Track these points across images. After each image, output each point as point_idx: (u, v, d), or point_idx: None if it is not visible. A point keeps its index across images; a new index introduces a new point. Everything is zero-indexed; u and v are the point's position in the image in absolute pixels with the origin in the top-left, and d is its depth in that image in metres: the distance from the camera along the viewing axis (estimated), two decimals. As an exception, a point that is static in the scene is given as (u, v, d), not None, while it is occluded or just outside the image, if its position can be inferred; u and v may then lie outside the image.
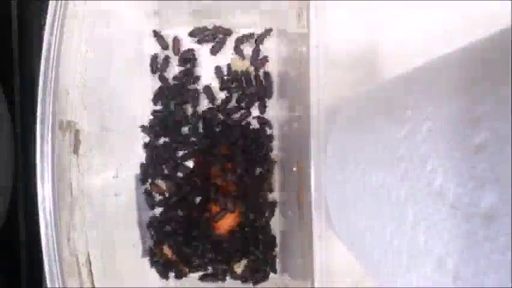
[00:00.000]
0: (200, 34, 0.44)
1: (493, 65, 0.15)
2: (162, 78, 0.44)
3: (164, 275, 0.42)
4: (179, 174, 0.43)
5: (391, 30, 0.42)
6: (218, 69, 0.44)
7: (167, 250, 0.42)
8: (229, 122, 0.43)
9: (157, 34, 0.44)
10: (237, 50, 0.44)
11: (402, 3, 0.41)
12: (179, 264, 0.42)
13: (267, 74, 0.44)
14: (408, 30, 0.41)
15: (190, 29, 0.44)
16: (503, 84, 0.14)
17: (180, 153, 0.44)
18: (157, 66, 0.44)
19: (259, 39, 0.43)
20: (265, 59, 0.44)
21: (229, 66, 0.44)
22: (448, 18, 0.41)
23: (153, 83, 0.44)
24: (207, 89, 0.44)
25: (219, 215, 0.42)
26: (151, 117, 0.44)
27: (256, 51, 0.44)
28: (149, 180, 0.44)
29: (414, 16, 0.41)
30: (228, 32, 0.44)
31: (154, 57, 0.44)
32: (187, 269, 0.43)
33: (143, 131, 0.44)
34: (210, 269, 0.43)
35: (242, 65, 0.44)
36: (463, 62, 0.18)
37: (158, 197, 0.44)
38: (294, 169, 0.39)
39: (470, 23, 0.37)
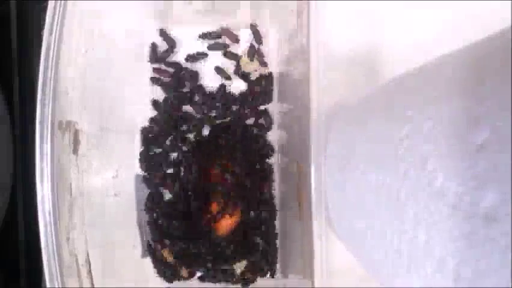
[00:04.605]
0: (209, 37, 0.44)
1: (494, 64, 0.15)
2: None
3: (168, 278, 0.42)
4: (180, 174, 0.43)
5: (391, 30, 0.42)
6: (219, 70, 0.44)
7: (166, 253, 0.42)
8: (230, 122, 0.43)
9: (163, 33, 0.44)
10: (227, 54, 0.44)
11: (403, 3, 0.41)
12: (178, 267, 0.42)
13: (269, 74, 0.44)
14: (408, 30, 0.41)
15: (190, 28, 0.44)
16: (503, 84, 0.14)
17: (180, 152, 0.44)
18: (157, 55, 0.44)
19: (251, 51, 0.44)
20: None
21: (238, 66, 0.44)
22: (448, 18, 0.41)
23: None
24: (219, 70, 0.44)
25: (219, 216, 0.41)
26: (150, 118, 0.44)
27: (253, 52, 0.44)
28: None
29: (414, 16, 0.41)
30: (233, 37, 0.44)
31: (154, 47, 0.44)
32: (187, 272, 0.43)
33: (142, 132, 0.44)
34: (209, 270, 0.43)
35: (252, 66, 0.43)
36: (463, 62, 0.17)
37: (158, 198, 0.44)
38: (294, 169, 0.39)
39: (470, 23, 0.37)
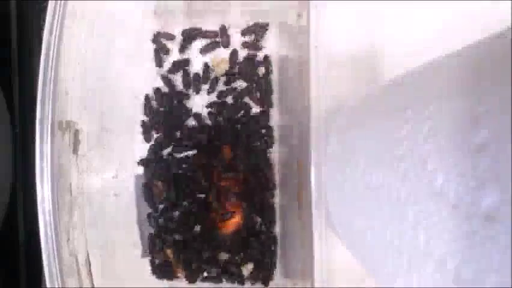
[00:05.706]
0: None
1: (493, 64, 0.15)
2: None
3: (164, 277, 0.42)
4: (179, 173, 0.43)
5: (391, 30, 0.42)
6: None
7: (170, 253, 0.42)
8: (231, 120, 0.43)
9: (157, 35, 0.44)
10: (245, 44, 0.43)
11: (403, 4, 0.41)
12: (178, 268, 0.42)
13: (267, 74, 0.44)
14: (408, 30, 0.41)
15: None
16: (503, 84, 0.13)
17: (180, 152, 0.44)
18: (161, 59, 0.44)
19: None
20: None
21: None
22: (448, 18, 0.41)
23: (153, 83, 0.44)
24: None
25: (227, 216, 0.41)
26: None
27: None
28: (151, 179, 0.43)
29: (414, 16, 0.41)
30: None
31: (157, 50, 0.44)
32: (187, 274, 0.42)
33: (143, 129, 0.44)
34: (209, 271, 0.43)
35: (222, 65, 0.43)
36: (463, 62, 0.18)
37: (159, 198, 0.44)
38: (294, 169, 0.39)
39: (470, 23, 0.37)
